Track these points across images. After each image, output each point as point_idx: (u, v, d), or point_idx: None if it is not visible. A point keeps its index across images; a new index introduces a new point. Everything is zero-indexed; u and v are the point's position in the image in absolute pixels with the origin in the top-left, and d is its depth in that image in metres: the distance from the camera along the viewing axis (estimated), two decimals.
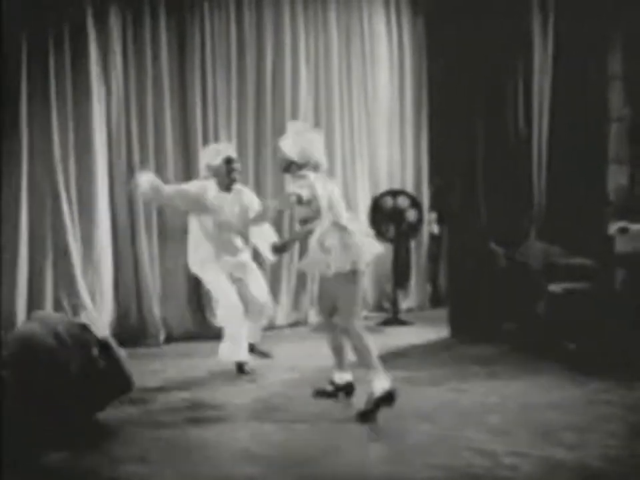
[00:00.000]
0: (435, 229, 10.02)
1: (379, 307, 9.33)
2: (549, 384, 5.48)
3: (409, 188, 9.52)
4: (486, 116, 8.02)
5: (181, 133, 7.91)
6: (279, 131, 8.38)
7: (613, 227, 7.09)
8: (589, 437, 4.14)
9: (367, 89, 9.39)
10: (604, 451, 3.92)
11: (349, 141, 9.19)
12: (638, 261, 6.73)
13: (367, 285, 9.14)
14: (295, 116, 8.53)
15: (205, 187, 6.28)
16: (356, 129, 9.26)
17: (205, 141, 7.81)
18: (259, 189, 8.31)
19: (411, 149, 9.79)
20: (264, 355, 6.57)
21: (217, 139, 7.90)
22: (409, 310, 9.44)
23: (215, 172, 6.31)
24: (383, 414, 4.53)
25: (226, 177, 6.29)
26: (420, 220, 8.77)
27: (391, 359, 6.17)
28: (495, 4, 8.08)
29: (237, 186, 6.44)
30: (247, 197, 6.50)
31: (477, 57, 8.09)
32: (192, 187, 6.36)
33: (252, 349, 6.35)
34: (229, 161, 6.29)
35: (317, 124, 8.77)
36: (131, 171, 7.34)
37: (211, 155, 6.37)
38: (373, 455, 4.08)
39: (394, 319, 8.58)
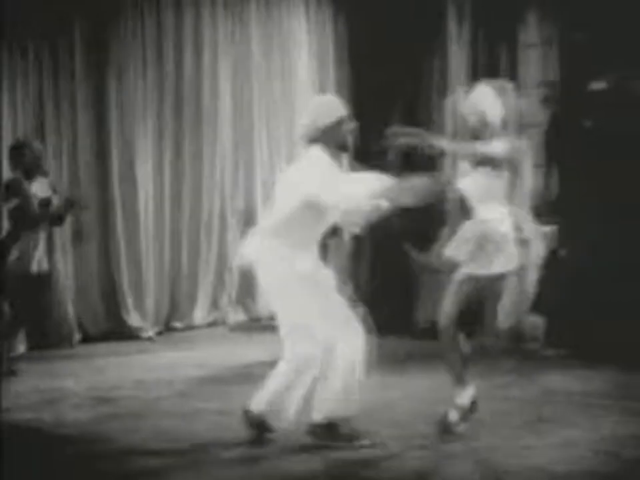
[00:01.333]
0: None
1: None
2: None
3: None
4: (402, 120, 8.14)
5: (97, 138, 7.81)
6: (196, 136, 8.50)
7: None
8: (483, 431, 4.28)
9: (287, 90, 9.32)
10: (496, 443, 4.05)
11: (268, 143, 9.18)
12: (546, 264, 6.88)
13: None
14: (213, 121, 8.55)
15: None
16: (276, 133, 9.25)
17: (120, 146, 7.75)
18: (175, 198, 8.31)
19: None
20: None
21: (132, 146, 7.83)
22: None
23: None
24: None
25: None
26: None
27: None
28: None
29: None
30: None
31: (392, 58, 8.24)
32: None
33: None
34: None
35: (235, 127, 8.82)
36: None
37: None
38: None
39: None
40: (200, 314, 8.42)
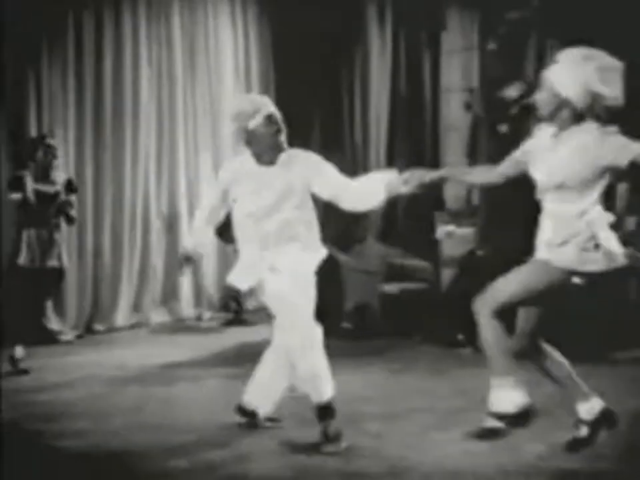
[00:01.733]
0: None
1: (225, 307, 9.37)
2: (374, 378, 5.70)
3: None
4: (322, 124, 8.26)
5: (13, 138, 7.57)
6: (118, 137, 8.43)
7: (440, 231, 7.42)
8: (392, 427, 4.37)
9: (212, 91, 9.36)
10: (405, 440, 4.14)
11: (193, 144, 9.17)
12: (465, 263, 7.06)
13: (212, 285, 9.22)
14: (135, 121, 8.50)
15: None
16: (200, 133, 9.23)
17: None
18: (97, 199, 8.23)
19: None
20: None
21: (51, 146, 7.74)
22: (257, 309, 9.53)
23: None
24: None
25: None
26: None
27: (215, 358, 6.41)
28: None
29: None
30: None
31: (314, 61, 8.35)
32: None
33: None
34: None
35: (159, 128, 8.78)
36: None
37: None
38: None
39: (236, 319, 8.67)
40: (122, 316, 8.33)
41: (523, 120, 6.53)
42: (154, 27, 8.77)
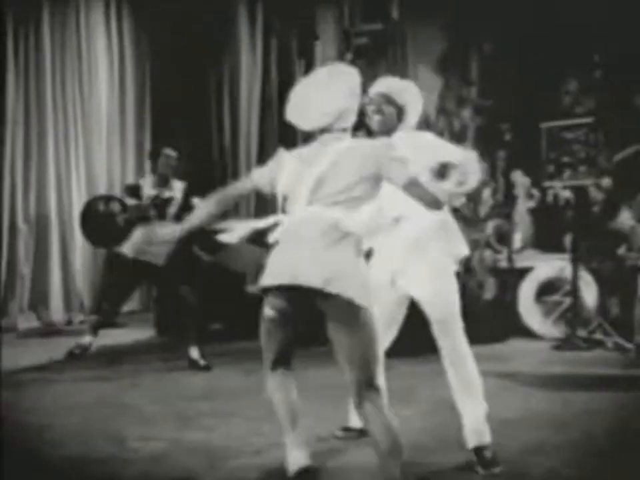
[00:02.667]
0: None
1: (97, 310, 9.34)
2: (233, 377, 5.88)
3: None
4: (190, 132, 8.38)
5: None
6: None
7: None
8: (228, 421, 4.54)
9: (84, 96, 9.36)
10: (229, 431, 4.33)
11: (64, 148, 9.13)
12: None
13: (83, 289, 9.22)
14: (0, 126, 8.43)
15: None
16: (71, 137, 9.18)
17: None
18: None
19: (132, 158, 9.94)
20: None
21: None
22: (131, 312, 9.57)
23: None
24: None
25: None
26: (131, 225, 8.94)
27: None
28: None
29: None
30: None
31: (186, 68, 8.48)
32: None
33: None
34: None
35: (26, 131, 8.73)
36: None
37: None
38: None
39: (107, 322, 8.67)
40: None
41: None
42: (22, 29, 8.71)
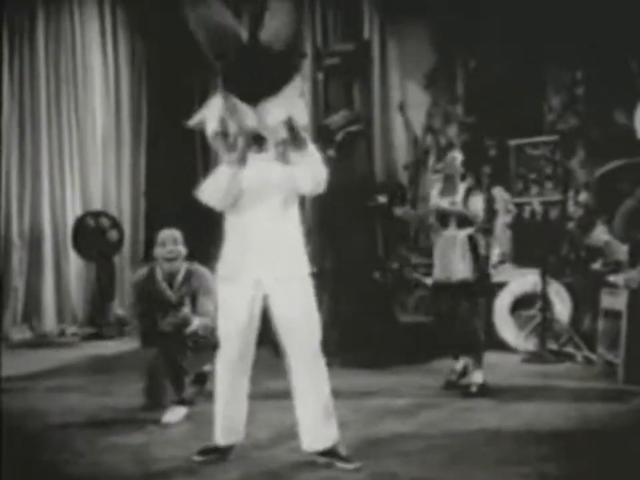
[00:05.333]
0: None
1: (90, 322, 9.53)
2: None
3: (126, 210, 9.90)
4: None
5: None
6: None
7: None
8: None
9: (78, 107, 9.59)
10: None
11: (58, 163, 9.39)
12: None
13: (76, 300, 9.42)
14: None
15: None
16: (66, 152, 9.43)
17: None
18: None
19: (127, 173, 10.14)
20: None
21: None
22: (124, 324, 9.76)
23: None
24: None
25: None
26: (121, 240, 9.19)
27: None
28: None
29: None
30: None
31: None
32: None
33: None
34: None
35: (21, 144, 8.99)
36: None
37: None
38: None
39: (97, 333, 8.92)
40: None
41: (348, 146, 7.02)
42: (16, 40, 9.00)
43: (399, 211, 8.29)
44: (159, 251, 4.87)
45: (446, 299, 5.85)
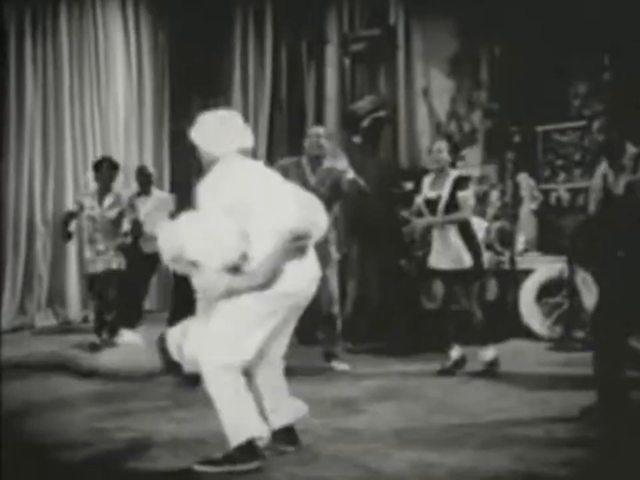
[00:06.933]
0: None
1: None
2: None
3: None
4: None
5: None
6: (1, 142, 8.61)
7: None
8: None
9: (101, 96, 9.63)
10: None
11: (81, 148, 9.41)
12: None
13: None
14: (19, 125, 8.72)
15: None
16: (89, 137, 9.46)
17: None
18: None
19: (150, 156, 10.15)
20: None
21: None
22: (148, 311, 9.77)
23: None
24: None
25: None
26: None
27: None
28: None
29: None
30: None
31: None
32: None
33: None
34: None
35: (44, 131, 9.01)
36: None
37: None
38: None
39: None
40: (5, 319, 8.52)
41: (374, 132, 6.97)
42: (39, 31, 8.99)
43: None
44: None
45: (441, 286, 5.85)
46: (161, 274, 9.15)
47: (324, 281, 4.50)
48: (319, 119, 9.60)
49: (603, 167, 4.49)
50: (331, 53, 8.95)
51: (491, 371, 5.74)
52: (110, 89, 9.73)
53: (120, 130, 9.84)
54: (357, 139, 6.67)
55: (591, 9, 8.14)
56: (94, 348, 6.86)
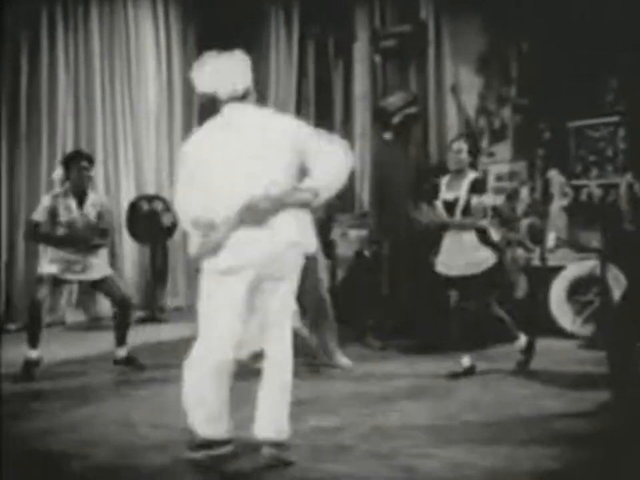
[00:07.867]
0: None
1: (144, 306, 9.61)
2: None
3: None
4: None
5: None
6: (34, 138, 8.72)
7: (335, 232, 7.82)
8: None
9: (132, 91, 9.69)
10: None
11: (112, 149, 9.47)
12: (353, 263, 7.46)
13: (130, 285, 9.48)
14: (51, 119, 8.78)
15: None
16: (120, 136, 9.53)
17: None
18: (11, 195, 8.50)
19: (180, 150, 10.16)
20: None
21: None
22: (177, 308, 9.84)
23: None
24: None
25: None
26: (175, 223, 9.21)
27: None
28: None
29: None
30: None
31: None
32: None
33: None
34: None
35: (76, 132, 9.07)
36: None
37: None
38: None
39: (151, 317, 8.99)
40: None
41: (405, 128, 6.95)
42: (71, 24, 9.06)
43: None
44: None
45: (455, 292, 5.74)
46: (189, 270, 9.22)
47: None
48: (347, 117, 9.62)
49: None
50: (360, 49, 8.94)
51: (525, 361, 5.68)
52: (141, 85, 9.79)
53: (151, 125, 9.90)
54: (387, 136, 6.64)
55: (620, 3, 8.06)
56: None
